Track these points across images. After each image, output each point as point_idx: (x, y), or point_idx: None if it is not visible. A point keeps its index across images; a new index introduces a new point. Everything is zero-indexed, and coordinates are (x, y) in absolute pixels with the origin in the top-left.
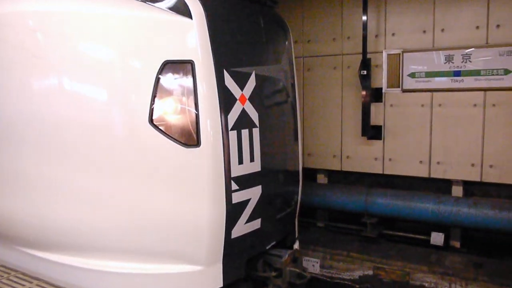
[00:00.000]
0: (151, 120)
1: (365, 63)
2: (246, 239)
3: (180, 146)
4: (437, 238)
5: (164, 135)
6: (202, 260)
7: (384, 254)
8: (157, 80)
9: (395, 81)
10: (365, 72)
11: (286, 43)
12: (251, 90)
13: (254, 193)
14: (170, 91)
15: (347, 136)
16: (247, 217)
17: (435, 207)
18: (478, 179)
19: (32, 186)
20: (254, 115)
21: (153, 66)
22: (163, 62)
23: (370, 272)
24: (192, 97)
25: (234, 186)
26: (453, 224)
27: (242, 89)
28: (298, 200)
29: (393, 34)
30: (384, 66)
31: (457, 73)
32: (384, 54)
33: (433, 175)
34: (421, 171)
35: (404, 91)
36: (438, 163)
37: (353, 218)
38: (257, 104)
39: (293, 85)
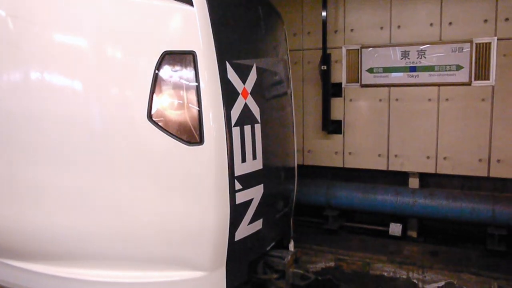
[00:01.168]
0: (149, 116)
1: (325, 59)
2: (248, 241)
3: (182, 144)
4: (395, 228)
5: (164, 132)
6: (205, 265)
7: (345, 245)
8: (156, 72)
9: (354, 76)
10: (325, 67)
11: (282, 35)
12: (253, 84)
13: (256, 193)
14: (170, 85)
15: (308, 131)
16: (249, 218)
17: (394, 198)
18: (433, 171)
19: (14, 190)
20: (256, 110)
21: (151, 57)
22: (162, 53)
23: (332, 264)
24: (193, 91)
25: (237, 185)
26: (410, 215)
27: (244, 82)
28: (294, 198)
29: (351, 30)
30: (344, 62)
31: (412, 69)
32: (344, 50)
33: (391, 168)
34: (379, 164)
35: (363, 86)
36: (395, 156)
37: (316, 211)
38: (258, 98)
39: (288, 78)
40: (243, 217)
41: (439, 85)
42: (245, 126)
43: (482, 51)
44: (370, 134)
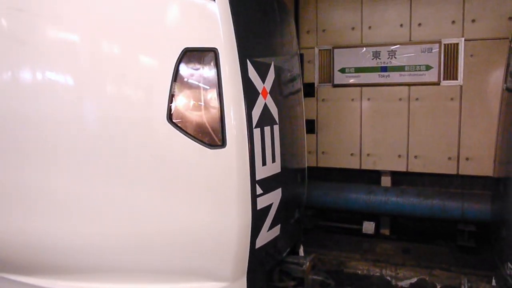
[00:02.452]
0: (169, 117)
1: None
2: (267, 248)
3: (203, 147)
4: (368, 227)
5: (184, 135)
6: (227, 275)
7: (320, 244)
8: (176, 70)
9: (326, 76)
10: None
11: (293, 30)
12: (271, 83)
13: (275, 197)
14: (191, 84)
15: None
16: (269, 224)
17: (367, 197)
18: (404, 169)
19: (19, 197)
20: (274, 110)
21: (171, 54)
22: (183, 50)
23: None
24: (215, 91)
25: (258, 190)
26: (383, 213)
27: (263, 81)
28: (304, 201)
29: (323, 31)
30: (316, 62)
31: (384, 69)
32: (316, 50)
33: (363, 167)
34: (352, 163)
35: (335, 86)
36: (368, 155)
37: None
38: (276, 98)
39: (299, 75)
40: (264, 223)
41: (409, 84)
42: (265, 128)
43: (450, 52)
44: (342, 133)
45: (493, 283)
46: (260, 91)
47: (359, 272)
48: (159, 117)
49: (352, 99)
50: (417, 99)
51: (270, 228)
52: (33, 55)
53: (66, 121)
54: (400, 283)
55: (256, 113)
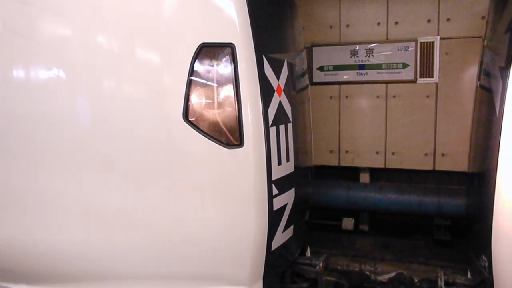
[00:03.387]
0: (185, 116)
1: None
2: (282, 250)
3: (221, 147)
4: (347, 223)
5: (202, 134)
6: (244, 279)
7: None
8: (192, 67)
9: None
10: None
11: (301, 25)
12: (285, 80)
13: (290, 197)
14: (207, 80)
15: None
16: (284, 225)
17: (346, 194)
18: (382, 166)
19: (28, 203)
20: (288, 108)
21: (187, 50)
22: (199, 45)
23: None
24: (232, 88)
25: (274, 190)
26: (362, 209)
27: (278, 78)
28: (311, 200)
29: (302, 29)
30: None
31: (361, 67)
32: None
33: (342, 164)
34: (331, 160)
35: (313, 84)
36: (346, 152)
37: None
38: (289, 95)
39: (306, 72)
40: (279, 224)
41: (386, 82)
42: (280, 126)
43: (426, 50)
44: (321, 131)
45: (469, 275)
46: (275, 88)
47: (339, 267)
48: (174, 115)
49: (331, 97)
50: (394, 96)
51: (285, 229)
52: (42, 52)
53: (75, 121)
54: (379, 278)
55: (272, 111)
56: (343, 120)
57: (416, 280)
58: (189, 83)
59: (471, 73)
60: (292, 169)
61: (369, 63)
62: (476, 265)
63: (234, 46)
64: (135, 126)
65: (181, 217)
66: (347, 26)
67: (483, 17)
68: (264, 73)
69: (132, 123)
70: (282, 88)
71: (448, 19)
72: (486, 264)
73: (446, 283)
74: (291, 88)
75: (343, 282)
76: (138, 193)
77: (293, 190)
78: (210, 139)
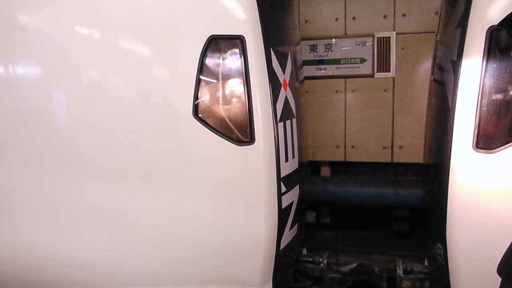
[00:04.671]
0: (195, 112)
1: None
2: (289, 248)
3: (231, 144)
4: (309, 216)
5: (212, 131)
6: (255, 280)
7: None
8: (202, 60)
9: None
10: None
11: (296, 21)
12: (289, 74)
13: (295, 194)
14: (217, 75)
15: None
16: (290, 223)
17: (308, 187)
18: (342, 159)
19: (28, 207)
20: (292, 103)
21: (196, 42)
22: (209, 38)
23: None
24: (242, 82)
25: (283, 188)
26: (323, 202)
27: (284, 72)
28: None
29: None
30: None
31: (321, 62)
32: None
33: None
34: None
35: None
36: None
37: None
38: (293, 90)
39: (303, 67)
40: (286, 222)
41: (345, 77)
42: (286, 121)
43: (383, 45)
44: None
45: (426, 263)
46: (281, 82)
47: (302, 258)
48: (184, 112)
49: None
50: (353, 91)
51: (291, 227)
52: (45, 46)
53: (80, 120)
54: (341, 269)
55: (280, 106)
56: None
57: (376, 270)
58: (199, 78)
59: (426, 67)
60: (297, 166)
61: (328, 58)
62: (432, 253)
63: (244, 39)
64: (142, 124)
65: (191, 218)
66: (306, 21)
67: (436, 13)
68: (272, 66)
69: (140, 121)
70: (288, 82)
71: (403, 15)
72: (442, 251)
73: (405, 271)
74: (294, 82)
75: (348, 279)
76: (146, 194)
77: (297, 187)
78: (221, 136)
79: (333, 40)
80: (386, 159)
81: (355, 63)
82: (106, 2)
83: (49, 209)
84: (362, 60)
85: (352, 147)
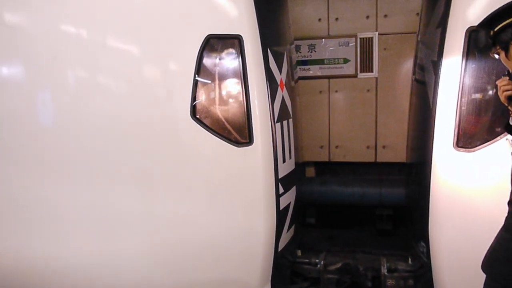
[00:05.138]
0: (193, 113)
1: None
2: (287, 250)
3: (230, 145)
4: None
5: (210, 132)
6: (254, 283)
7: None
8: (200, 60)
9: None
10: None
11: (290, 21)
12: (286, 74)
13: (292, 195)
14: (215, 75)
15: None
16: (288, 225)
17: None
18: (327, 160)
19: (22, 214)
20: (289, 103)
21: (194, 42)
22: (206, 37)
23: None
24: (240, 82)
25: (280, 189)
26: (309, 203)
27: (280, 72)
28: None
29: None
30: None
31: (304, 62)
32: None
33: None
34: None
35: None
36: None
37: None
38: (289, 90)
39: (297, 67)
40: (284, 224)
41: (329, 77)
42: (283, 122)
43: (366, 45)
44: None
45: (409, 261)
46: (278, 82)
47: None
48: (181, 113)
49: None
50: (336, 91)
51: (288, 229)
52: (41, 47)
53: (75, 121)
54: (327, 268)
55: (277, 106)
56: None
57: (361, 269)
58: (196, 78)
59: (408, 67)
60: (293, 167)
61: (311, 58)
62: (415, 251)
63: (241, 38)
64: (140, 126)
65: (188, 221)
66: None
67: (417, 14)
68: (269, 66)
69: (137, 122)
70: (284, 82)
71: (385, 15)
72: (425, 249)
73: (389, 270)
74: (290, 82)
75: (345, 279)
76: (143, 197)
77: (294, 188)
78: (219, 137)
79: (317, 40)
80: (370, 158)
81: (338, 63)
82: (102, 2)
83: (56, 216)
84: (345, 61)
85: (336, 147)
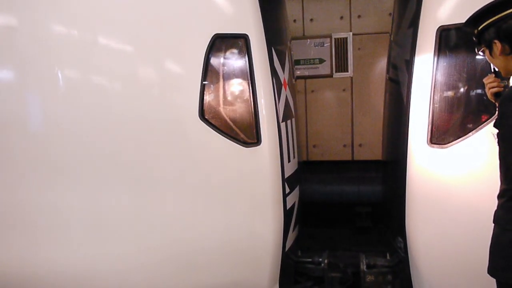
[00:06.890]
0: (201, 114)
1: None
2: (292, 250)
3: (238, 145)
4: None
5: (219, 133)
6: (264, 284)
7: None
8: (207, 60)
9: None
10: None
11: (288, 20)
12: (288, 73)
13: (297, 195)
14: (222, 75)
15: None
16: (293, 224)
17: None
18: (305, 159)
19: (32, 216)
20: (291, 102)
21: (200, 42)
22: (213, 36)
23: None
24: (247, 82)
25: (287, 188)
26: None
27: (283, 71)
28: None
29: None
30: None
31: None
32: None
33: None
34: None
35: None
36: None
37: None
38: (291, 89)
39: (294, 66)
40: (290, 224)
41: (305, 77)
42: (287, 121)
43: (340, 46)
44: None
45: (388, 257)
46: (282, 81)
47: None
48: (190, 113)
49: None
50: (312, 91)
51: (294, 228)
52: (44, 50)
53: (84, 123)
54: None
55: (281, 106)
56: None
57: (341, 265)
58: (204, 78)
59: (382, 66)
60: (297, 166)
61: None
62: (393, 247)
63: (248, 37)
64: (148, 127)
65: (197, 223)
66: None
67: (390, 14)
68: (274, 66)
69: (145, 124)
70: (287, 81)
71: (359, 16)
72: (402, 245)
73: (368, 266)
74: (291, 81)
75: (348, 278)
76: (153, 199)
77: (298, 187)
78: (228, 138)
79: (292, 41)
80: (347, 157)
81: (314, 63)
82: (108, 3)
83: (62, 219)
84: (321, 61)
85: (314, 146)
